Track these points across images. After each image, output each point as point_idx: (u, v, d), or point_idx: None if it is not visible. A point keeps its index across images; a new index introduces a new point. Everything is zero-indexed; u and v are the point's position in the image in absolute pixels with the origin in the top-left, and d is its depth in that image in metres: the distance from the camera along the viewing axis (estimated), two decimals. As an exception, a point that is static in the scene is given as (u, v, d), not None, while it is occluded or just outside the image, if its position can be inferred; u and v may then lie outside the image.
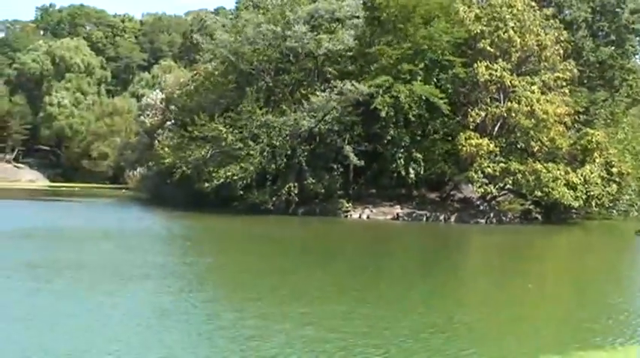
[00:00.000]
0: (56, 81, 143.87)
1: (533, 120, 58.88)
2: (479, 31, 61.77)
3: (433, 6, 63.80)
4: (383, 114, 58.49)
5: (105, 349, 15.27)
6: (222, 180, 57.90)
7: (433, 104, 59.32)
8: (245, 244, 40.21)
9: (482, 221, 60.12)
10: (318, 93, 60.20)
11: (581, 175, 58.88)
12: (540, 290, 26.59)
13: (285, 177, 60.43)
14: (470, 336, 17.79)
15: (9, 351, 14.95)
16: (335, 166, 61.21)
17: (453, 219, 60.59)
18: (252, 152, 58.86)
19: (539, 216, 61.66)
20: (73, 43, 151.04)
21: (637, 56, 75.83)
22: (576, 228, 59.99)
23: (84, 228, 45.38)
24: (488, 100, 61.52)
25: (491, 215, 60.92)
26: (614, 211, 67.19)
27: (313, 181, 59.76)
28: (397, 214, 60.74)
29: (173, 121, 76.26)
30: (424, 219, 60.00)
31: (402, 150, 60.33)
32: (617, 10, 72.03)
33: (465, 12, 62.86)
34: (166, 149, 65.20)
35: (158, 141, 74.84)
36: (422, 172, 60.37)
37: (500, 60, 61.00)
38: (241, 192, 58.81)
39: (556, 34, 63.34)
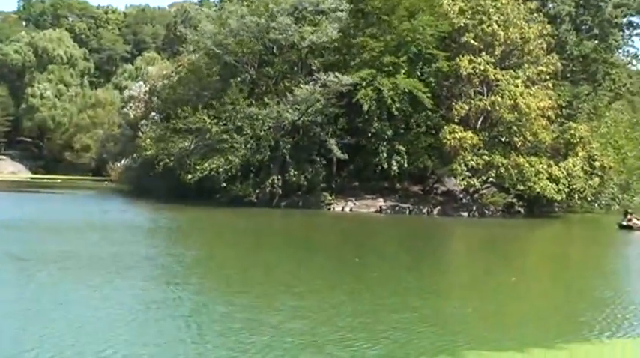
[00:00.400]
0: (39, 72, 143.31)
1: (516, 113, 58.90)
2: (463, 24, 61.83)
3: (417, -1, 63.83)
4: (365, 107, 58.44)
5: (94, 342, 15.06)
6: (205, 172, 57.71)
7: (416, 98, 59.30)
8: (230, 237, 39.98)
9: (465, 214, 60.20)
10: (301, 85, 60.04)
11: (564, 169, 59.13)
12: (524, 283, 26.52)
13: (268, 170, 60.30)
14: (459, 329, 17.65)
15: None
16: (318, 159, 61.06)
17: (435, 212, 60.65)
18: (235, 144, 58.67)
19: (522, 210, 61.74)
20: (56, 35, 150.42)
21: (620, 50, 76.01)
22: (558, 221, 60.16)
23: (67, 220, 44.95)
24: (472, 94, 61.60)
25: (474, 208, 60.97)
26: (596, 205, 67.46)
27: (296, 174, 59.62)
28: (380, 207, 60.71)
29: (156, 113, 75.95)
30: (407, 212, 60.03)
31: (385, 144, 60.28)
32: (600, 4, 72.19)
33: (449, 5, 62.85)
34: (149, 141, 64.96)
35: (141, 133, 74.53)
36: (405, 165, 60.33)
37: (483, 53, 61.14)
38: (224, 185, 58.64)
39: (540, 27, 63.40)
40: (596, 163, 61.37)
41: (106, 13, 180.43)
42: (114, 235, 36.70)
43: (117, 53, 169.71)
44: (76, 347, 14.74)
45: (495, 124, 61.66)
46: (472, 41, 61.11)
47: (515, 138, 59.90)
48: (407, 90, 59.04)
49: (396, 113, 59.42)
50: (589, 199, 63.71)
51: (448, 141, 58.37)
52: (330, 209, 60.37)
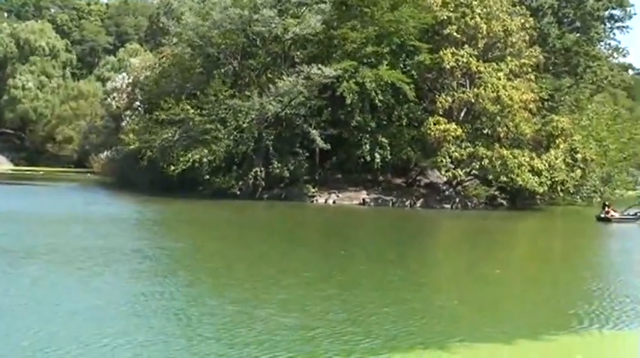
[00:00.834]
0: (20, 64, 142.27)
1: (498, 106, 59.00)
2: (445, 17, 61.88)
3: (400, -9, 63.81)
4: (349, 100, 58.41)
5: (84, 335, 14.99)
6: (189, 163, 57.58)
7: (399, 90, 59.34)
8: (215, 229, 39.83)
9: (448, 206, 60.29)
10: (284, 77, 59.93)
11: (546, 161, 59.24)
12: (509, 276, 26.63)
13: (251, 162, 60.19)
14: (448, 322, 17.71)
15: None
16: (301, 151, 60.97)
17: (418, 204, 60.70)
18: (219, 135, 58.56)
19: (504, 202, 61.94)
20: (38, 26, 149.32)
21: (602, 43, 76.09)
22: (540, 213, 60.31)
23: (51, 212, 44.72)
24: (455, 86, 61.70)
25: (457, 200, 61.05)
26: (578, 197, 67.62)
27: (279, 166, 59.50)
28: (363, 199, 60.72)
29: (139, 105, 75.71)
30: (390, 204, 60.07)
31: (367, 136, 60.31)
32: (582, -4, 72.44)
33: (432, -3, 62.97)
34: (131, 135, 64.68)
35: (124, 124, 74.30)
36: (388, 158, 60.37)
37: (466, 46, 61.20)
38: (207, 177, 58.53)
39: (522, 20, 63.57)
40: (578, 156, 61.55)
41: (89, 4, 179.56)
42: (100, 228, 36.50)
43: (99, 45, 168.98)
44: (66, 339, 14.66)
45: (478, 116, 61.74)
46: (455, 34, 61.19)
47: (499, 130, 59.96)
48: (390, 83, 59.07)
49: (379, 105, 59.45)
50: (571, 191, 63.85)
51: (432, 133, 58.41)
52: (313, 201, 60.33)
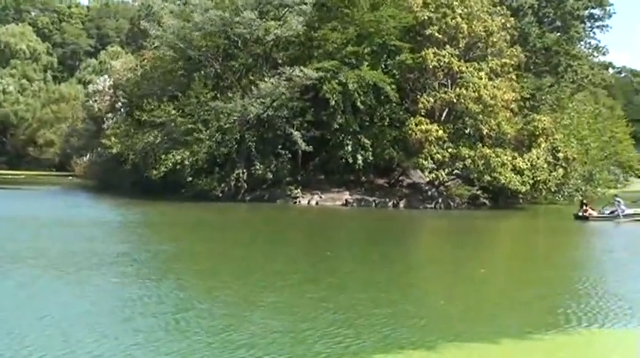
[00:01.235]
0: (1, 67, 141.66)
1: (480, 105, 59.02)
2: (426, 17, 61.85)
3: (380, -8, 63.83)
4: (332, 102, 58.35)
5: (73, 340, 14.92)
6: (170, 166, 57.38)
7: (381, 90, 59.33)
8: (200, 232, 39.69)
9: (431, 206, 60.26)
10: (266, 79, 59.83)
11: (528, 160, 59.29)
12: (494, 275, 26.64)
13: (233, 164, 60.03)
14: (439, 322, 17.75)
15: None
16: (284, 152, 60.82)
17: (401, 204, 60.69)
18: (201, 137, 58.37)
19: (487, 201, 61.94)
20: (19, 29, 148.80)
21: (582, 42, 76.21)
22: (523, 212, 60.40)
23: (34, 216, 44.34)
24: (437, 86, 61.69)
25: (440, 200, 61.02)
26: (560, 196, 67.75)
27: (262, 167, 59.36)
28: (346, 200, 60.68)
29: (121, 107, 75.41)
30: (373, 204, 60.04)
31: (350, 137, 60.27)
32: (562, -4, 72.59)
33: (412, -2, 63.02)
34: (113, 138, 64.33)
35: (105, 128, 74.00)
36: (370, 158, 60.34)
37: (447, 46, 61.17)
38: (190, 179, 58.34)
39: (503, 20, 63.64)
40: (560, 154, 61.65)
41: (70, 7, 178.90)
42: (84, 231, 36.36)
43: (80, 47, 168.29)
44: (54, 345, 14.57)
45: (460, 116, 61.77)
46: (436, 34, 61.16)
47: (481, 128, 59.99)
48: (372, 83, 59.04)
49: (361, 106, 59.39)
50: (553, 190, 64.02)
51: (414, 134, 58.39)
52: (296, 202, 60.21)
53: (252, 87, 59.90)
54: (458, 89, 59.81)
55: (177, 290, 20.56)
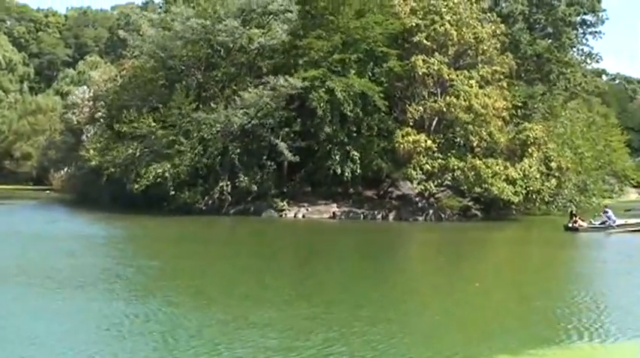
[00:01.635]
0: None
1: (471, 114, 59.06)
2: (414, 24, 61.87)
3: (366, -2, 63.88)
4: (320, 111, 58.32)
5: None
6: (151, 179, 57.20)
7: (369, 99, 59.31)
8: (185, 246, 39.34)
9: (421, 218, 60.14)
10: (250, 89, 59.73)
11: (520, 170, 59.25)
12: (489, 288, 26.55)
13: (217, 176, 59.87)
14: (435, 339, 17.70)
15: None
16: (269, 163, 60.71)
17: (391, 216, 60.58)
18: (182, 148, 58.23)
19: (479, 213, 61.88)
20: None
21: (574, 49, 76.37)
22: (516, 224, 60.26)
23: (14, 231, 44.04)
24: (426, 95, 61.65)
25: (430, 212, 60.91)
26: (554, 207, 67.73)
27: (246, 179, 59.17)
28: (334, 213, 60.59)
29: (100, 119, 75.21)
30: (361, 217, 59.95)
31: (337, 148, 60.18)
32: (553, 2, 72.49)
33: (400, 5, 62.99)
34: (92, 151, 64.11)
35: (84, 140, 73.82)
36: (358, 170, 60.27)
37: (437, 54, 61.17)
38: (172, 192, 58.18)
39: (493, 27, 63.67)
40: (553, 164, 61.55)
41: (46, 16, 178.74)
42: (65, 246, 36.21)
43: (58, 57, 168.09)
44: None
45: (450, 126, 61.79)
46: (425, 41, 61.15)
47: (472, 138, 60.04)
48: (359, 92, 59.01)
49: (349, 116, 59.32)
50: (547, 201, 63.97)
51: (402, 145, 58.33)
52: (282, 215, 60.08)
53: (236, 97, 59.78)
54: (448, 98, 59.77)
55: (165, 308, 20.37)
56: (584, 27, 75.72)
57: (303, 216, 60.18)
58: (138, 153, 59.26)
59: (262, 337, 16.91)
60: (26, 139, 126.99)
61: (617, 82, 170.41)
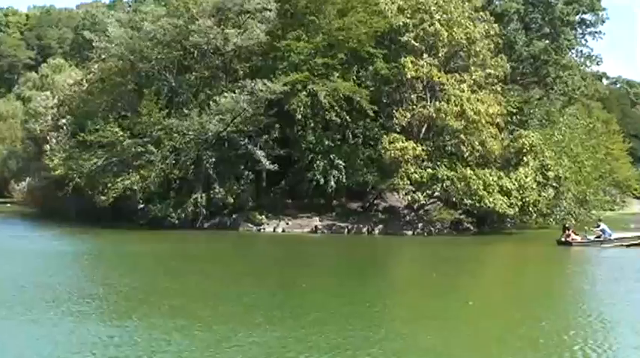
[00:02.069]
0: None
1: (463, 121, 58.99)
2: (402, 23, 61.73)
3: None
4: (299, 115, 58.24)
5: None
6: (119, 191, 57.04)
7: (354, 105, 59.27)
8: (160, 263, 39.32)
9: (410, 232, 60.04)
10: (226, 93, 59.58)
11: (515, 180, 59.17)
12: (483, 308, 26.58)
13: (190, 188, 59.74)
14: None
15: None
16: (246, 173, 60.63)
17: (377, 230, 60.51)
18: (152, 158, 58.08)
19: (471, 226, 61.73)
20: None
21: (573, 50, 76.51)
22: (511, 238, 60.11)
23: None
24: (414, 100, 61.60)
25: (420, 226, 60.85)
26: (551, 219, 67.63)
27: (222, 191, 59.06)
28: (315, 227, 60.48)
29: (64, 127, 74.87)
30: (345, 231, 59.90)
31: (320, 156, 60.11)
32: (550, 0, 72.87)
33: (386, 4, 62.84)
34: (56, 160, 63.86)
35: (47, 149, 73.45)
36: (343, 180, 60.19)
37: (425, 55, 61.15)
38: (142, 205, 58.03)
39: (486, 27, 63.71)
40: (550, 173, 61.36)
41: (6, 15, 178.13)
42: (31, 264, 36.23)
43: (19, 60, 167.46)
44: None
45: (440, 133, 61.83)
46: (413, 42, 61.08)
47: (463, 148, 60.10)
48: (344, 96, 58.95)
49: (333, 121, 59.29)
50: (544, 213, 63.81)
51: (388, 152, 58.18)
52: (260, 230, 59.99)
53: (211, 102, 59.63)
54: (438, 103, 59.73)
55: (146, 330, 20.31)
56: (584, 27, 75.92)
57: (283, 231, 60.09)
58: (105, 164, 59.05)
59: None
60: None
61: (618, 85, 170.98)
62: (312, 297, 27.46)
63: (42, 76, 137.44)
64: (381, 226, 61.01)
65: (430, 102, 60.67)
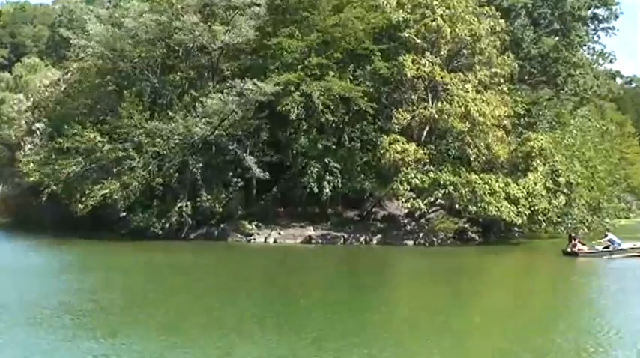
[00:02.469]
0: None
1: (467, 123, 58.88)
2: (402, 19, 61.68)
3: (345, -9, 63.72)
4: (293, 116, 58.16)
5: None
6: (98, 200, 56.91)
7: (350, 103, 59.21)
8: (146, 276, 39.48)
9: (410, 242, 59.89)
10: (213, 94, 59.50)
11: (524, 187, 59.00)
12: (489, 325, 26.54)
13: (175, 195, 59.63)
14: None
15: None
16: (235, 180, 60.53)
17: (375, 240, 60.37)
18: (134, 164, 57.97)
19: (476, 236, 61.60)
20: None
21: (584, 48, 76.43)
22: (518, 249, 60.00)
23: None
24: (415, 100, 61.51)
25: (421, 235, 60.66)
26: (562, 228, 67.46)
27: (209, 199, 58.99)
28: (309, 237, 60.37)
29: (40, 131, 74.80)
30: (341, 241, 59.78)
31: (314, 161, 60.01)
32: (560, -7, 72.96)
33: (384, -2, 62.91)
34: (31, 165, 63.72)
35: (22, 154, 73.34)
36: (339, 187, 60.09)
37: (427, 53, 61.04)
38: (123, 214, 57.93)
39: (491, 23, 63.63)
40: (561, 179, 61.23)
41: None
42: (8, 278, 36.16)
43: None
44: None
45: (443, 136, 61.76)
46: (414, 38, 60.94)
47: (468, 151, 60.03)
48: (340, 97, 58.86)
49: (332, 119, 59.23)
50: (554, 222, 63.60)
51: (388, 154, 57.96)
52: (250, 240, 59.88)
53: (197, 104, 59.57)
54: (440, 104, 59.59)
55: (136, 346, 20.34)
56: (596, 22, 75.99)
57: (275, 241, 60.00)
58: (83, 170, 58.94)
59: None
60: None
61: (633, 85, 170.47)
62: (312, 313, 27.51)
63: (16, 76, 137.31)
64: (379, 236, 60.89)
65: (432, 102, 60.56)
